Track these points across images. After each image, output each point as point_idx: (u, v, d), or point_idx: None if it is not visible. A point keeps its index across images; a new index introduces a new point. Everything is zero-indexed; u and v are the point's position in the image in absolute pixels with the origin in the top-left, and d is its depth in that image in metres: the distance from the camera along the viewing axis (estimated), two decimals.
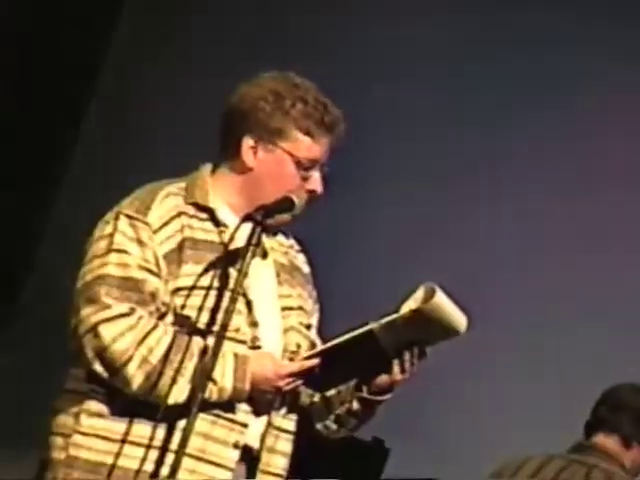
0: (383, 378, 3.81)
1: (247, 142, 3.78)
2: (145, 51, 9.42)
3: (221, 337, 3.52)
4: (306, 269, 4.06)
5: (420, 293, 3.74)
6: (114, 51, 9.57)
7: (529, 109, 8.38)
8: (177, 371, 3.60)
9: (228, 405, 3.63)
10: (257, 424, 3.70)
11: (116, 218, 3.73)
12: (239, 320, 3.62)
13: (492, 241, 8.61)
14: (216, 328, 3.56)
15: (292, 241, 4.06)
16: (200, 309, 3.63)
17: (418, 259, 7.94)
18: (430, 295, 3.68)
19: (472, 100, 8.50)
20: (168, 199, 3.79)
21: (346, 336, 3.73)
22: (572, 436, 6.04)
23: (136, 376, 3.60)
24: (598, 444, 5.28)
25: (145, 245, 3.69)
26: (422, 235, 8.51)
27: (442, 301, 3.70)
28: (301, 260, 4.07)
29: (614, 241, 8.29)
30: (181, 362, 3.58)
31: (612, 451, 5.25)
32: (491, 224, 8.68)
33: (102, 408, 3.65)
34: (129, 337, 3.61)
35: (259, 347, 3.69)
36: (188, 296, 3.67)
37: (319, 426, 3.94)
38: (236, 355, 3.61)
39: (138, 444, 3.61)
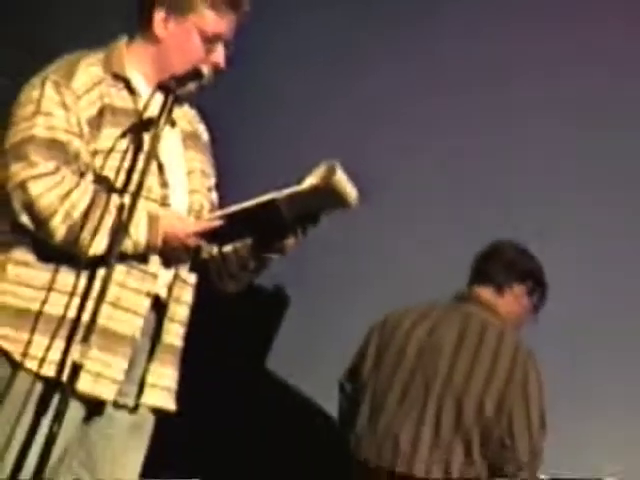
0: (277, 241, 4.02)
1: (159, 14, 3.91)
2: None
3: (136, 196, 3.66)
4: (205, 137, 4.24)
5: (322, 169, 3.87)
6: None
7: None
8: (97, 225, 3.73)
9: (141, 257, 3.81)
10: (166, 275, 3.89)
11: (42, 83, 3.84)
12: (152, 181, 3.79)
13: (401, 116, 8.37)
14: (131, 188, 3.70)
15: (194, 111, 4.24)
16: (117, 170, 3.75)
17: (318, 133, 7.88)
18: (331, 172, 3.83)
19: None
20: (90, 68, 3.91)
21: (251, 202, 3.87)
22: None
23: (60, 228, 3.74)
24: (474, 294, 5.50)
25: (70, 109, 3.82)
26: (322, 109, 8.40)
27: (342, 178, 3.85)
28: (202, 129, 4.24)
29: None
30: (101, 217, 3.70)
31: (486, 300, 5.47)
32: (399, 98, 8.39)
33: (27, 258, 3.82)
34: (54, 193, 3.76)
35: (168, 205, 3.90)
36: (106, 158, 3.80)
37: (216, 278, 4.15)
38: (149, 213, 3.78)
39: (61, 292, 3.76)
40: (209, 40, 3.95)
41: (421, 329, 5.39)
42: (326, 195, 3.89)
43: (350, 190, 3.90)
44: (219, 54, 3.97)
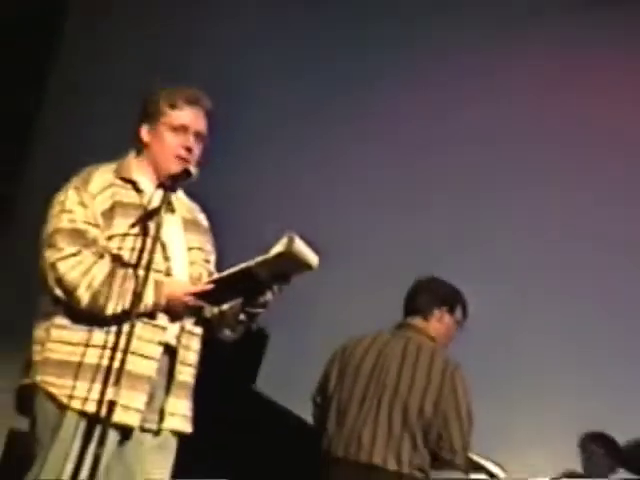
0: (259, 298, 4.07)
1: (142, 128, 4.11)
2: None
3: (147, 269, 3.80)
4: (205, 224, 4.33)
5: (284, 240, 3.92)
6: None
7: None
8: (116, 291, 3.89)
9: (151, 315, 3.91)
10: (173, 328, 3.98)
11: (66, 190, 4.00)
12: (157, 257, 3.89)
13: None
14: (142, 263, 3.84)
15: (195, 205, 4.33)
16: (129, 250, 3.92)
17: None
18: (291, 242, 3.91)
19: None
20: (104, 175, 4.07)
21: (232, 269, 3.99)
22: None
23: (84, 296, 3.86)
24: (409, 323, 5.44)
25: (87, 206, 3.95)
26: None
27: (300, 247, 3.94)
28: (202, 217, 4.33)
29: None
30: (118, 285, 3.87)
31: (418, 326, 5.43)
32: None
33: (64, 322, 3.92)
34: (77, 270, 3.88)
35: (171, 275, 4.01)
36: (120, 241, 3.94)
37: (217, 330, 4.23)
38: (155, 281, 3.89)
39: (94, 346, 3.88)
40: (178, 131, 4.08)
41: (372, 352, 5.37)
42: (290, 260, 3.95)
43: (309, 256, 3.98)
44: (188, 140, 4.08)
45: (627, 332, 7.84)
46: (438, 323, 5.44)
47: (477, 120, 8.40)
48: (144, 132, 4.12)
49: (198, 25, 8.75)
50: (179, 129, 4.09)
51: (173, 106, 4.11)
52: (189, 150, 4.07)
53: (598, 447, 6.91)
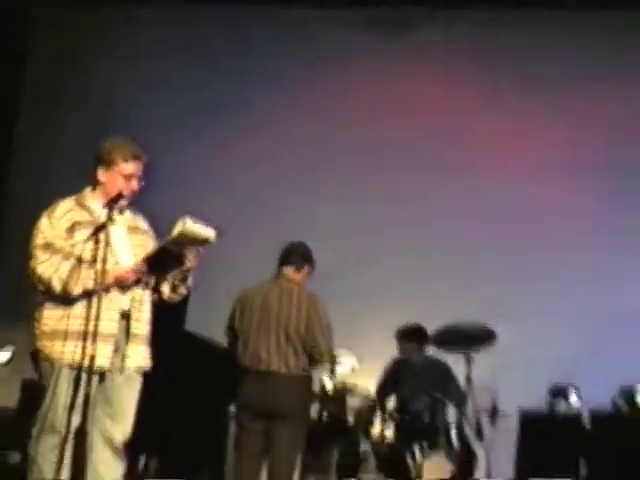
0: (181, 267, 4.09)
1: (99, 170, 4.15)
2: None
3: (101, 264, 3.86)
4: (145, 227, 4.30)
5: (179, 222, 3.91)
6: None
7: None
8: (78, 279, 3.93)
9: (107, 291, 3.94)
10: (125, 298, 4.06)
11: (41, 218, 4.09)
12: (108, 254, 3.91)
13: None
14: (98, 259, 3.87)
15: (138, 216, 4.29)
16: (86, 251, 3.92)
17: None
18: (183, 223, 3.90)
19: None
20: (65, 205, 4.13)
21: (151, 250, 4.05)
22: None
23: (57, 286, 3.96)
24: (284, 273, 5.42)
25: (54, 227, 4.05)
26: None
27: (192, 226, 3.92)
28: (143, 224, 4.30)
29: None
30: (78, 275, 3.92)
31: (290, 276, 5.42)
32: None
33: (50, 305, 4.02)
34: (50, 269, 3.98)
35: (119, 264, 4.06)
36: (80, 248, 3.97)
37: (163, 294, 4.20)
38: (107, 270, 3.89)
39: (74, 317, 3.95)
40: (126, 177, 4.13)
41: (260, 296, 5.38)
42: (188, 236, 3.94)
43: (202, 230, 3.95)
44: (133, 184, 4.15)
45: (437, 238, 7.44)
46: (302, 274, 5.45)
47: None
48: (100, 174, 4.18)
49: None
50: (127, 176, 4.16)
51: (125, 160, 4.15)
52: (132, 191, 4.15)
53: (411, 340, 6.53)
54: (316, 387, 5.81)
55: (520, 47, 7.69)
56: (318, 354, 5.28)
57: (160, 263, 4.08)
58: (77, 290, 3.98)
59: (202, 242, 4.02)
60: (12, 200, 7.83)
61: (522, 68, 7.63)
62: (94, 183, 4.18)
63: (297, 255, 5.46)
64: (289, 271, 5.42)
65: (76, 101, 8.04)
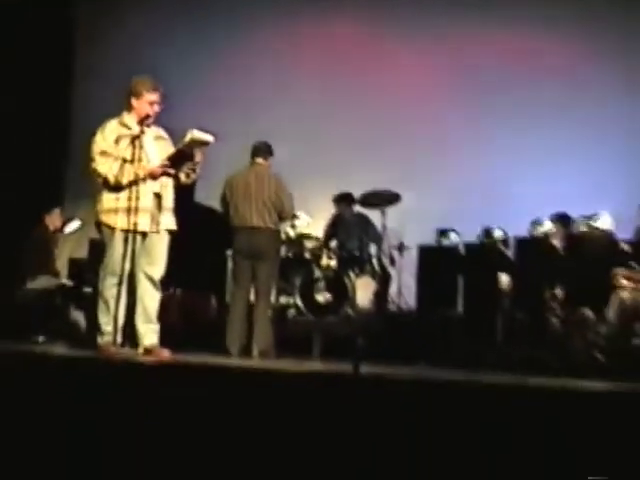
0: (193, 160, 4.07)
1: (132, 99, 4.15)
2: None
3: (139, 162, 4.00)
4: (166, 136, 4.29)
5: (189, 132, 3.97)
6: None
7: None
8: (128, 174, 4.01)
9: (144, 180, 4.04)
10: (156, 183, 4.11)
11: (95, 134, 4.13)
12: (142, 155, 4.05)
13: None
14: (136, 159, 3.99)
15: (160, 129, 4.29)
16: (128, 154, 4.02)
17: None
18: (190, 132, 3.96)
19: None
20: (111, 124, 4.15)
21: (172, 151, 4.12)
22: None
23: (111, 179, 4.03)
24: (257, 162, 5.31)
25: (106, 139, 4.09)
26: None
27: (196, 133, 3.96)
28: (164, 134, 4.29)
29: None
30: (124, 171, 4.00)
31: (261, 163, 5.30)
32: None
33: (106, 190, 4.08)
34: (105, 167, 4.04)
35: (150, 163, 4.09)
36: (124, 152, 4.04)
37: (180, 180, 4.19)
38: (143, 167, 4.03)
39: (122, 199, 4.03)
40: (150, 103, 4.14)
41: (242, 178, 5.27)
42: (197, 141, 3.97)
43: (205, 136, 3.96)
44: (155, 107, 4.16)
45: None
46: (268, 162, 5.32)
47: None
48: (133, 102, 4.15)
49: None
50: (151, 103, 4.16)
51: (148, 91, 4.15)
52: (155, 113, 4.18)
53: (344, 202, 6.47)
54: (283, 236, 5.81)
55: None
56: (284, 214, 5.24)
57: (177, 160, 4.09)
58: (124, 181, 4.02)
59: (204, 144, 4.03)
60: (77, 111, 7.62)
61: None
62: (129, 108, 4.17)
63: (263, 150, 5.31)
64: (259, 160, 5.31)
65: (116, 49, 7.62)
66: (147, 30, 7.52)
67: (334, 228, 6.43)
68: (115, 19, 7.60)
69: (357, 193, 6.32)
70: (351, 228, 6.33)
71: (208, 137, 3.97)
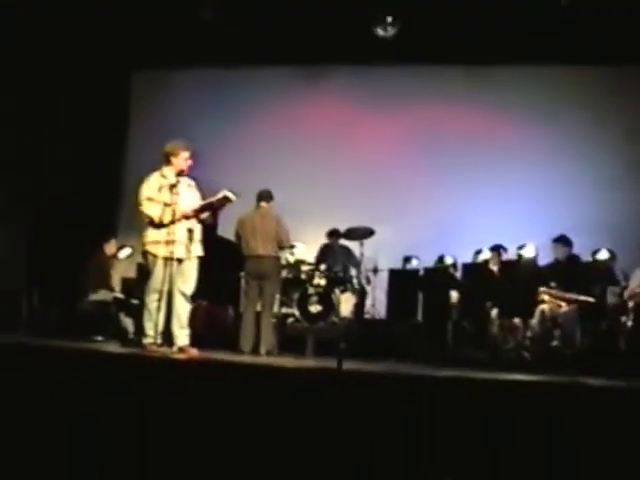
0: (216, 211, 4.14)
1: (171, 157, 4.16)
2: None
3: (175, 206, 4.05)
4: (194, 185, 4.27)
5: (222, 191, 4.04)
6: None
7: None
8: (167, 215, 4.03)
9: (179, 220, 4.07)
10: (189, 222, 4.13)
11: (143, 183, 4.16)
12: (178, 200, 4.09)
13: None
14: (172, 205, 4.05)
15: (190, 179, 4.29)
16: (167, 199, 4.06)
17: None
18: (224, 192, 4.03)
19: None
20: (154, 175, 4.18)
21: (203, 203, 4.17)
22: None
23: (155, 219, 4.06)
24: (261, 205, 5.25)
25: (151, 188, 4.12)
26: None
27: (227, 193, 4.04)
28: (193, 184, 4.28)
29: None
30: (165, 212, 4.03)
31: (265, 207, 5.24)
32: None
33: (151, 227, 4.11)
34: (151, 210, 4.07)
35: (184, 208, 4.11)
36: (164, 198, 4.06)
37: (204, 221, 4.17)
38: (180, 210, 4.07)
39: (164, 233, 4.05)
40: (185, 159, 4.17)
41: (250, 218, 5.22)
42: (226, 199, 4.09)
43: (232, 196, 4.08)
44: (188, 162, 4.18)
45: None
46: (270, 205, 5.24)
47: None
48: (172, 159, 4.17)
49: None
50: (185, 159, 4.18)
51: (183, 150, 4.17)
52: (188, 168, 4.20)
53: (332, 236, 6.32)
54: (283, 261, 5.75)
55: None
56: (282, 244, 5.22)
57: (207, 208, 4.20)
58: (165, 220, 4.09)
59: (229, 201, 4.13)
60: (130, 167, 7.50)
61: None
62: (167, 163, 4.21)
63: (266, 195, 5.29)
64: (263, 204, 5.30)
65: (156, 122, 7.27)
66: (183, 103, 7.46)
67: (324, 255, 6.39)
68: (162, 92, 7.50)
69: (342, 228, 6.24)
70: (337, 255, 6.31)
71: (233, 197, 4.06)
